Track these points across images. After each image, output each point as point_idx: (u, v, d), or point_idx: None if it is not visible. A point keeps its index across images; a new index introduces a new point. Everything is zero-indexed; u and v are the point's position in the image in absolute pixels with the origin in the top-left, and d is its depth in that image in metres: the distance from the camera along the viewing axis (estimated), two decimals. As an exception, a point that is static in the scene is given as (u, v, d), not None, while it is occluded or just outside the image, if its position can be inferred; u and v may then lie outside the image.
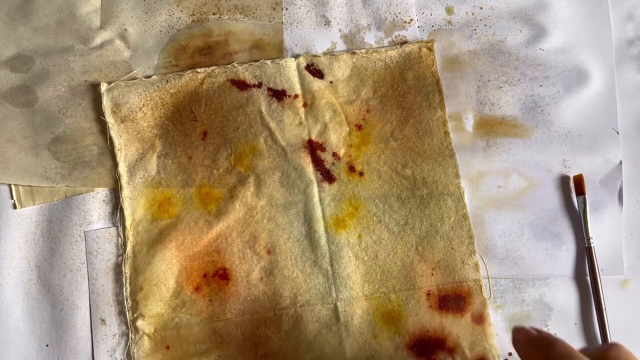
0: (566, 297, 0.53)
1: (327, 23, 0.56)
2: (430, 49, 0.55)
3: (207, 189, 0.53)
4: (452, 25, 0.56)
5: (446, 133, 0.54)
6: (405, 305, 0.52)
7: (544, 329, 0.52)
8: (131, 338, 0.51)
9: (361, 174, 0.53)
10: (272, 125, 0.53)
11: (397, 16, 0.56)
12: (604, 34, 0.55)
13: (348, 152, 0.54)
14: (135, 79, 0.54)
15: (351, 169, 0.53)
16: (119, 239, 0.53)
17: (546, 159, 0.54)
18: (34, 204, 0.53)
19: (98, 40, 0.55)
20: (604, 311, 0.51)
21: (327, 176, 0.53)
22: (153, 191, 0.53)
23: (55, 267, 0.53)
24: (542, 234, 0.53)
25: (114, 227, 0.53)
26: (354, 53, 0.55)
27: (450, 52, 0.55)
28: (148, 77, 0.54)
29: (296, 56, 0.55)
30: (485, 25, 0.55)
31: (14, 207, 0.53)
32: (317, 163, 0.53)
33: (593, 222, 0.53)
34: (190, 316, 0.52)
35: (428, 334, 0.52)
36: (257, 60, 0.54)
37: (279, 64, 0.54)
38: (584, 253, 0.53)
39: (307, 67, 0.54)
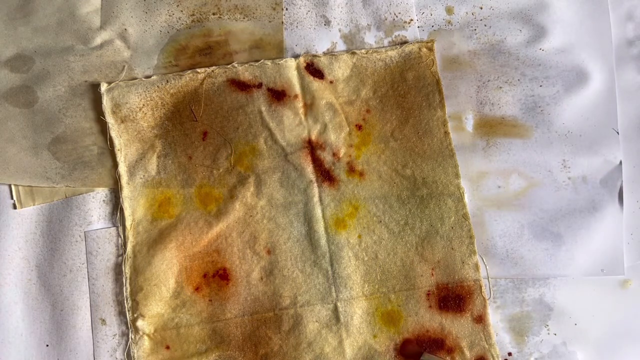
0: (566, 297, 0.53)
1: (327, 23, 0.55)
2: (430, 49, 0.55)
3: (207, 189, 0.53)
4: (452, 25, 0.56)
5: (446, 133, 0.54)
6: (405, 305, 0.52)
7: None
8: (131, 338, 0.51)
9: (361, 174, 0.53)
10: (272, 125, 0.53)
11: (397, 16, 0.56)
12: (604, 34, 0.55)
13: (348, 152, 0.54)
14: (135, 79, 0.54)
15: (351, 169, 0.53)
16: (119, 239, 0.53)
17: (546, 159, 0.54)
18: (34, 204, 0.53)
19: (98, 40, 0.55)
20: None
21: (327, 176, 0.53)
22: (153, 191, 0.53)
23: (55, 267, 0.53)
24: (542, 234, 0.53)
25: (114, 227, 0.53)
26: (354, 53, 0.55)
27: (450, 52, 0.55)
28: (148, 77, 0.54)
29: (296, 56, 0.55)
30: (485, 25, 0.55)
31: (14, 207, 0.53)
32: (317, 163, 0.53)
33: (593, 222, 0.53)
34: (190, 316, 0.52)
35: (428, 334, 0.52)
36: (257, 61, 0.54)
37: (278, 64, 0.54)
38: (584, 253, 0.53)
39: (307, 67, 0.54)
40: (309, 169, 0.53)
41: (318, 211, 0.53)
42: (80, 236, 0.53)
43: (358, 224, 0.53)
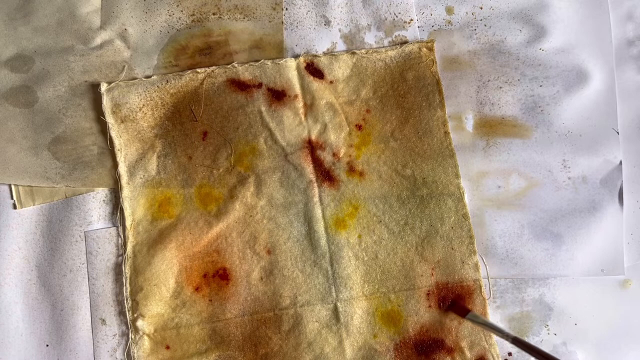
0: (566, 297, 0.53)
1: (327, 23, 0.55)
2: (430, 49, 0.55)
3: (207, 189, 0.53)
4: (452, 25, 0.56)
5: (446, 133, 0.54)
6: (405, 305, 0.52)
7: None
8: (131, 338, 0.51)
9: (361, 174, 0.53)
10: (272, 125, 0.53)
11: (397, 16, 0.56)
12: (604, 34, 0.55)
13: (348, 152, 0.54)
14: (135, 79, 0.54)
15: (351, 169, 0.53)
16: (119, 239, 0.53)
17: (546, 159, 0.54)
18: (34, 204, 0.53)
19: (98, 40, 0.55)
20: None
21: (327, 176, 0.53)
22: (153, 191, 0.53)
23: (55, 267, 0.53)
24: (542, 234, 0.53)
25: (114, 227, 0.53)
26: (354, 53, 0.55)
27: (450, 52, 0.55)
28: (148, 77, 0.54)
29: (296, 56, 0.55)
30: (485, 25, 0.55)
31: (14, 207, 0.53)
32: (317, 163, 0.53)
33: (593, 222, 0.53)
34: (190, 316, 0.52)
35: (428, 334, 0.52)
36: (257, 61, 0.54)
37: (278, 64, 0.54)
38: (584, 253, 0.53)
39: (307, 67, 0.54)
40: (309, 169, 0.53)
41: (318, 211, 0.53)
42: (80, 236, 0.53)
43: (358, 224, 0.53)
